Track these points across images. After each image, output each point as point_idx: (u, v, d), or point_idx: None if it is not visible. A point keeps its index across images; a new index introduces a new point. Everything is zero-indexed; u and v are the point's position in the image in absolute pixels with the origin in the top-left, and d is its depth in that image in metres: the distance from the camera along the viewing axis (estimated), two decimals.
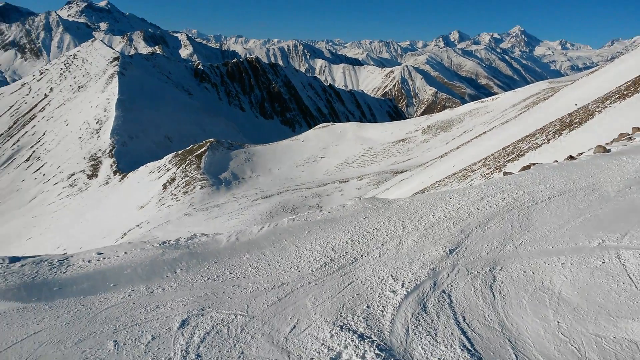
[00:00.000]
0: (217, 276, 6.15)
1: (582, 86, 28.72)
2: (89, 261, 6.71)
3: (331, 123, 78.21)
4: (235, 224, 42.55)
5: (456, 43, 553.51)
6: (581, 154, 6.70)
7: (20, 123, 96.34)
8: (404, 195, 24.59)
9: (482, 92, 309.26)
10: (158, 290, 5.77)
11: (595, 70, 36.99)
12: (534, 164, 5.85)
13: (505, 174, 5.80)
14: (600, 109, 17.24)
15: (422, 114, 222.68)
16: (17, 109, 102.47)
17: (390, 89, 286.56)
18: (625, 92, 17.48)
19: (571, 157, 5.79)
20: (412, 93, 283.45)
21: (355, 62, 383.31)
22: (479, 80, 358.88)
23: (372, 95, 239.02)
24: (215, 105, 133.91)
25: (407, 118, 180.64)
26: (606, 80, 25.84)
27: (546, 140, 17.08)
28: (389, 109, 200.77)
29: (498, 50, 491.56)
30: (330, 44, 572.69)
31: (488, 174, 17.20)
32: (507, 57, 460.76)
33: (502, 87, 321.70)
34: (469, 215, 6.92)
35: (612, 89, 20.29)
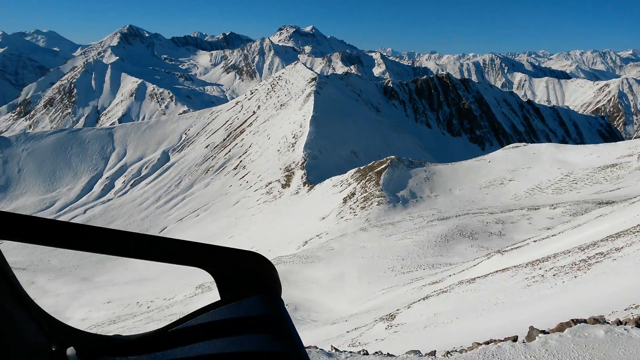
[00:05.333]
0: None
1: None
2: None
3: (523, 143, 71.58)
4: (409, 243, 41.86)
5: None
6: None
7: (232, 136, 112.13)
8: (597, 236, 20.67)
9: None
10: None
11: None
12: (575, 322, 3.58)
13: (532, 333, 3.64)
14: None
15: None
16: (231, 123, 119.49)
17: (604, 105, 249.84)
18: None
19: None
20: (632, 110, 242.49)
21: (561, 75, 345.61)
22: None
23: (580, 112, 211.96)
24: (402, 122, 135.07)
25: (624, 139, 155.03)
26: None
27: None
28: (600, 127, 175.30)
29: None
30: (532, 56, 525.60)
31: None
32: None
33: None
34: None
35: None
